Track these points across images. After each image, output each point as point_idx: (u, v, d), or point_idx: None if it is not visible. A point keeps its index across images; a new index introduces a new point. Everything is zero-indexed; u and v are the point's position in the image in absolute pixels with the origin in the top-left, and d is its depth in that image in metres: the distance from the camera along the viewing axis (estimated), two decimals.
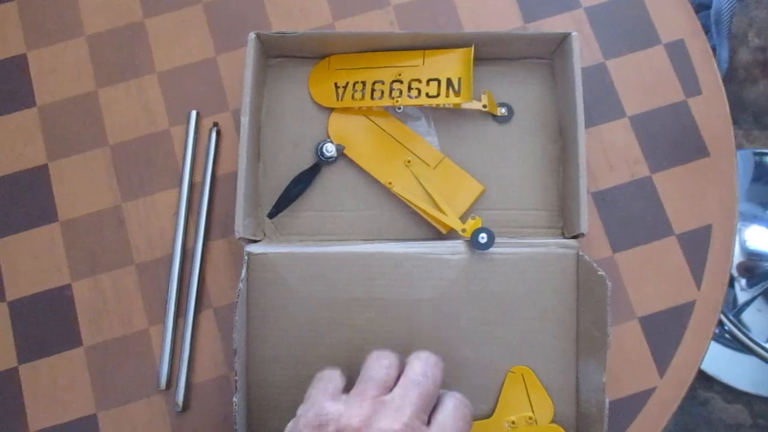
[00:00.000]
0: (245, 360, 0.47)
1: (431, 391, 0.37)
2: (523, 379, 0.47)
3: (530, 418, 0.47)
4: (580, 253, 0.48)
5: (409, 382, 0.37)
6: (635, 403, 0.50)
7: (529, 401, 0.47)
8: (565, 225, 0.51)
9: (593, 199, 0.53)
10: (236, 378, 0.43)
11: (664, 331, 0.51)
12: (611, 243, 0.52)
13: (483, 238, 0.48)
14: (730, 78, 1.39)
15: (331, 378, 0.39)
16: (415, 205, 0.51)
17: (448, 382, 0.47)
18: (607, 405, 0.42)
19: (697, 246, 0.52)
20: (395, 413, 0.34)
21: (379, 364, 0.39)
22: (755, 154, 1.30)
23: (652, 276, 0.52)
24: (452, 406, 0.38)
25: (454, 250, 0.49)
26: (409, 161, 0.52)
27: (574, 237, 0.49)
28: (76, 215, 0.53)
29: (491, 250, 0.48)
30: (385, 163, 0.52)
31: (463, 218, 0.51)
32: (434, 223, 0.51)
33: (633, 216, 0.53)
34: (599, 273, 0.44)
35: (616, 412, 0.50)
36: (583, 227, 0.47)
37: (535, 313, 0.48)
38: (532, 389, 0.47)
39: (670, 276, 0.52)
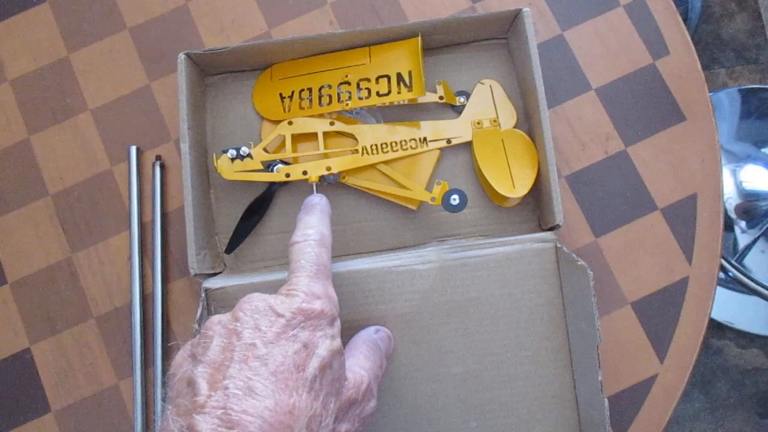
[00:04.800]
0: None
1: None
2: (491, 90, 0.50)
3: (494, 120, 0.49)
4: (558, 245, 0.45)
5: None
6: (638, 393, 0.47)
7: (495, 108, 0.49)
8: (541, 216, 0.48)
9: (568, 183, 0.50)
10: None
11: (660, 313, 0.48)
12: (593, 227, 0.49)
13: (455, 200, 0.46)
14: (705, 17, 1.35)
15: None
16: (377, 191, 0.49)
17: (440, 403, 0.45)
18: (606, 406, 0.39)
19: (683, 218, 0.49)
20: None
21: None
22: (740, 91, 1.27)
23: (639, 257, 0.49)
24: None
25: (424, 259, 0.45)
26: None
27: (550, 229, 0.46)
28: (26, 274, 0.50)
29: (464, 254, 0.45)
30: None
31: (429, 188, 0.48)
32: (402, 203, 0.49)
33: (612, 195, 0.50)
34: (579, 263, 0.41)
35: (619, 406, 0.47)
36: (559, 218, 0.44)
37: (521, 316, 0.45)
38: (499, 98, 0.50)
39: (658, 254, 0.49)
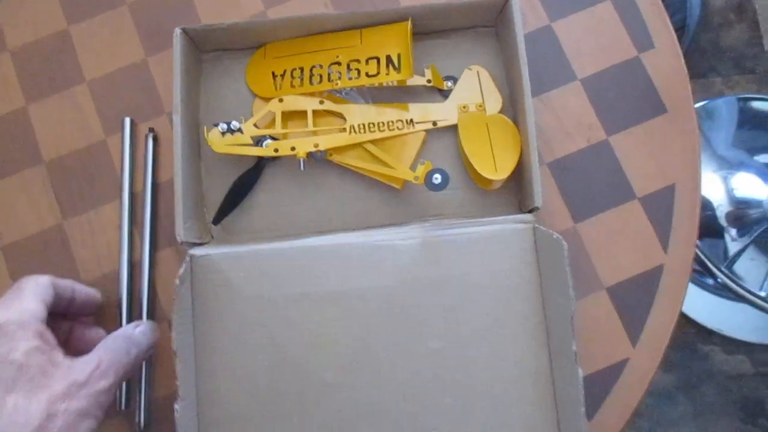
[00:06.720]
0: (191, 365, 0.45)
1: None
2: (478, 76, 0.51)
3: (480, 105, 0.50)
4: (536, 225, 0.46)
5: None
6: (609, 376, 0.48)
7: (481, 94, 0.51)
8: (522, 199, 0.49)
9: (550, 169, 0.51)
10: (178, 383, 0.42)
11: (634, 299, 0.49)
12: (572, 213, 0.50)
13: (437, 178, 0.47)
14: (704, 25, 1.36)
15: None
16: (362, 169, 0.50)
17: (416, 378, 0.45)
18: (581, 375, 0.40)
19: (661, 208, 0.50)
20: None
21: None
22: (739, 99, 1.28)
23: (617, 244, 0.50)
24: None
25: (405, 235, 0.46)
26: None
27: (530, 211, 0.47)
28: (18, 238, 0.51)
29: (445, 232, 0.46)
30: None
31: (414, 168, 0.49)
32: (387, 182, 0.50)
33: (593, 183, 0.51)
34: (555, 237, 0.42)
35: (590, 388, 0.48)
36: (537, 201, 0.45)
37: (500, 294, 0.46)
38: (486, 84, 0.51)
39: (635, 242, 0.50)
